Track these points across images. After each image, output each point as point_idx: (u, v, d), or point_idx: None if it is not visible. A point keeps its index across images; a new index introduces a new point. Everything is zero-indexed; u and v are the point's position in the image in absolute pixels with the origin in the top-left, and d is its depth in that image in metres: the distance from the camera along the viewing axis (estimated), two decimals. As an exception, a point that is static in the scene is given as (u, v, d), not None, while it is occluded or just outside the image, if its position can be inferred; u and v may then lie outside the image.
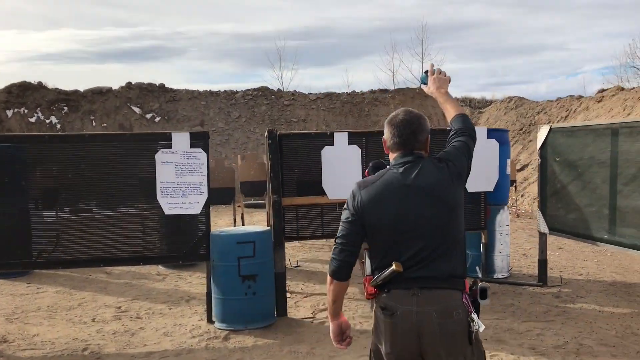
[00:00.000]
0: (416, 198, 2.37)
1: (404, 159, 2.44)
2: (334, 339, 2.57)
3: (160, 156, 5.68)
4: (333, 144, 6.78)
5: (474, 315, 2.33)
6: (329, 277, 2.47)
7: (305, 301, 6.59)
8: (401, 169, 2.42)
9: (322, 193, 6.78)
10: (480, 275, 7.40)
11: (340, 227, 2.45)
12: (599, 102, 17.93)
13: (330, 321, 2.58)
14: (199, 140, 5.77)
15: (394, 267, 2.30)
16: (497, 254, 7.35)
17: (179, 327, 5.77)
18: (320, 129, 21.38)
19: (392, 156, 2.51)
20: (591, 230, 6.04)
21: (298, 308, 6.29)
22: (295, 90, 23.99)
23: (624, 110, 16.13)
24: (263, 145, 20.98)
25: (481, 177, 7.11)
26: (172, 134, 5.74)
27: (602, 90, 19.70)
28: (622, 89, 18.44)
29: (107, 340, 5.40)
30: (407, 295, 2.30)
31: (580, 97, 19.49)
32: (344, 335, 2.56)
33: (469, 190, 7.09)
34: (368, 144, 6.91)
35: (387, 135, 2.51)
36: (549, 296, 6.48)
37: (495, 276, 7.34)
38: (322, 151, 6.73)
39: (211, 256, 5.71)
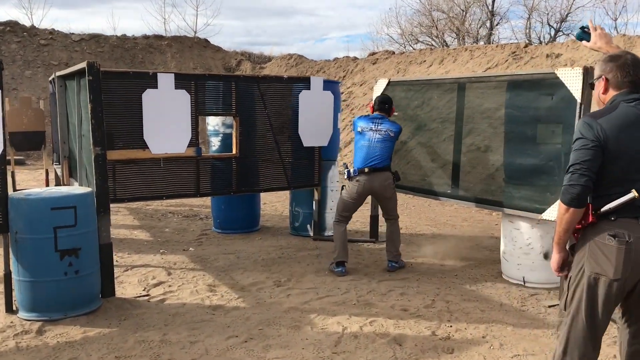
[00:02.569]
0: None
1: (633, 95, 2.60)
2: (555, 268, 2.73)
3: None
4: (157, 87, 5.71)
5: None
6: (563, 206, 2.52)
7: (129, 276, 5.51)
8: (633, 103, 2.58)
9: (144, 146, 5.70)
10: (311, 233, 7.09)
11: (574, 155, 2.53)
12: (373, 64, 18.99)
13: (557, 252, 2.69)
14: (-10, 71, 4.24)
15: (634, 194, 2.44)
16: (329, 210, 7.08)
17: (-36, 324, 4.29)
18: (87, 75, 18.90)
19: (612, 94, 2.66)
20: (433, 187, 6.08)
21: (123, 285, 5.21)
22: (53, 29, 20.73)
23: (397, 72, 17.30)
24: (16, 90, 17.82)
25: (317, 131, 6.73)
26: (-51, 60, 4.11)
27: (373, 54, 20.97)
28: (393, 53, 19.82)
29: None
30: (637, 224, 2.47)
31: (356, 58, 20.45)
32: (564, 264, 2.71)
33: (304, 145, 6.68)
34: (199, 89, 5.97)
35: (613, 73, 2.65)
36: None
37: (325, 234, 7.08)
38: (142, 95, 5.61)
39: (12, 227, 4.32)
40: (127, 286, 5.18)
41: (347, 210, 5.73)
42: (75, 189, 4.71)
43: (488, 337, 4.11)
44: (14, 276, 4.40)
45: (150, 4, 63.48)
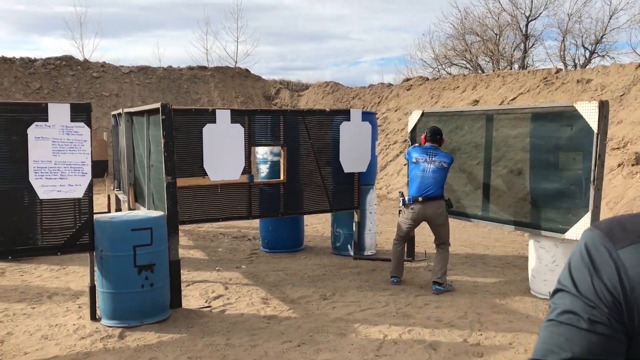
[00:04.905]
0: None
1: None
2: None
3: (34, 131, 4.82)
4: (215, 122, 6.43)
5: None
6: None
7: (191, 290, 6.17)
8: None
9: (204, 174, 6.41)
10: (351, 253, 7.66)
11: (557, 338, 0.97)
12: (407, 90, 19.59)
13: None
14: (81, 113, 5.01)
15: None
16: (367, 232, 7.66)
17: (58, 328, 5.00)
18: (136, 105, 20.01)
19: None
20: (465, 209, 6.60)
21: (186, 298, 5.86)
22: (104, 62, 22.05)
23: (431, 98, 17.86)
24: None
25: (357, 158, 7.34)
26: (49, 105, 4.89)
27: (407, 80, 21.57)
28: (427, 79, 20.39)
29: (-28, 353, 4.47)
30: None
31: (391, 85, 21.09)
32: None
33: (345, 171, 7.28)
34: (251, 122, 6.67)
35: None
36: (422, 270, 6.97)
37: (365, 253, 7.65)
38: (203, 129, 6.34)
39: (97, 246, 5.04)
40: (190, 299, 5.84)
41: (402, 233, 6.31)
42: (150, 212, 5.43)
43: (514, 344, 4.60)
44: (98, 288, 5.11)
45: (191, 33, 65.63)
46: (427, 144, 6.22)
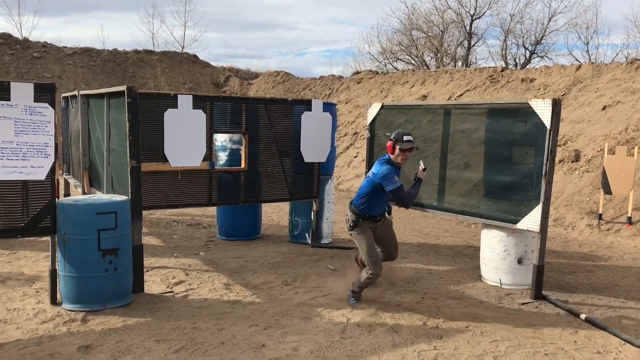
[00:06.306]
0: None
1: None
2: None
3: (-4, 110, 4.68)
4: (176, 107, 6.39)
5: None
6: None
7: (151, 275, 6.14)
8: None
9: (165, 160, 6.37)
10: (309, 241, 7.78)
11: None
12: (358, 83, 19.85)
13: None
14: (44, 93, 4.89)
15: None
16: (325, 220, 7.80)
17: (17, 313, 4.89)
18: (80, 88, 19.38)
19: None
20: (421, 200, 6.83)
21: (147, 283, 5.82)
22: (46, 42, 21.20)
23: (381, 92, 18.18)
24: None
25: (317, 148, 7.46)
26: (12, 83, 4.76)
27: (357, 73, 21.85)
28: (377, 73, 20.71)
29: None
30: None
31: (341, 77, 21.29)
32: None
33: (305, 161, 7.39)
34: (213, 109, 6.67)
35: None
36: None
37: (322, 241, 7.79)
38: (165, 114, 6.30)
39: (60, 229, 4.95)
40: (152, 284, 5.81)
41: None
42: (114, 196, 5.36)
43: (471, 327, 4.84)
44: (59, 272, 5.03)
45: (136, 15, 63.77)
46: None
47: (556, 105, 5.46)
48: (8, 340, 4.32)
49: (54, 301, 5.10)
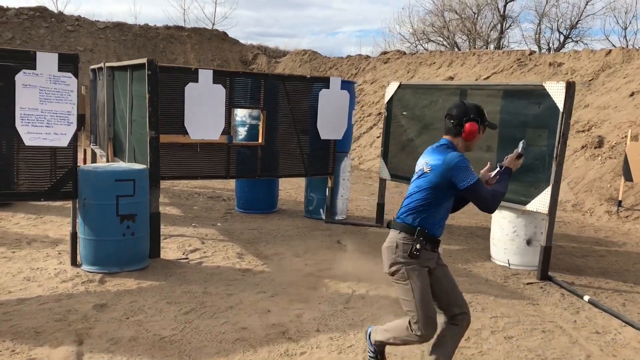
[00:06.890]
0: None
1: None
2: None
3: (22, 78, 4.91)
4: (197, 81, 6.55)
5: None
6: None
7: (168, 243, 6.37)
8: None
9: (185, 132, 6.55)
10: (323, 216, 7.93)
11: None
12: (385, 63, 19.79)
13: None
14: (68, 63, 5.10)
15: None
16: (340, 197, 7.93)
17: (39, 272, 5.17)
18: (111, 60, 19.77)
19: None
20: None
21: (164, 250, 6.06)
22: (79, 16, 21.62)
23: (407, 72, 18.11)
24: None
25: (333, 126, 7.57)
26: (38, 53, 4.97)
27: (385, 53, 21.75)
28: (404, 53, 20.59)
29: (-44, 290, 4.63)
30: None
31: (368, 57, 21.24)
32: None
33: (322, 138, 7.51)
34: (232, 84, 6.82)
35: None
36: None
37: (336, 217, 7.93)
38: (185, 88, 6.46)
39: (80, 194, 5.19)
40: (168, 251, 6.05)
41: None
42: (133, 165, 5.58)
43: (473, 303, 4.95)
44: (79, 235, 5.28)
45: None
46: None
47: (570, 88, 5.46)
48: (30, 296, 4.59)
49: (74, 262, 5.37)
